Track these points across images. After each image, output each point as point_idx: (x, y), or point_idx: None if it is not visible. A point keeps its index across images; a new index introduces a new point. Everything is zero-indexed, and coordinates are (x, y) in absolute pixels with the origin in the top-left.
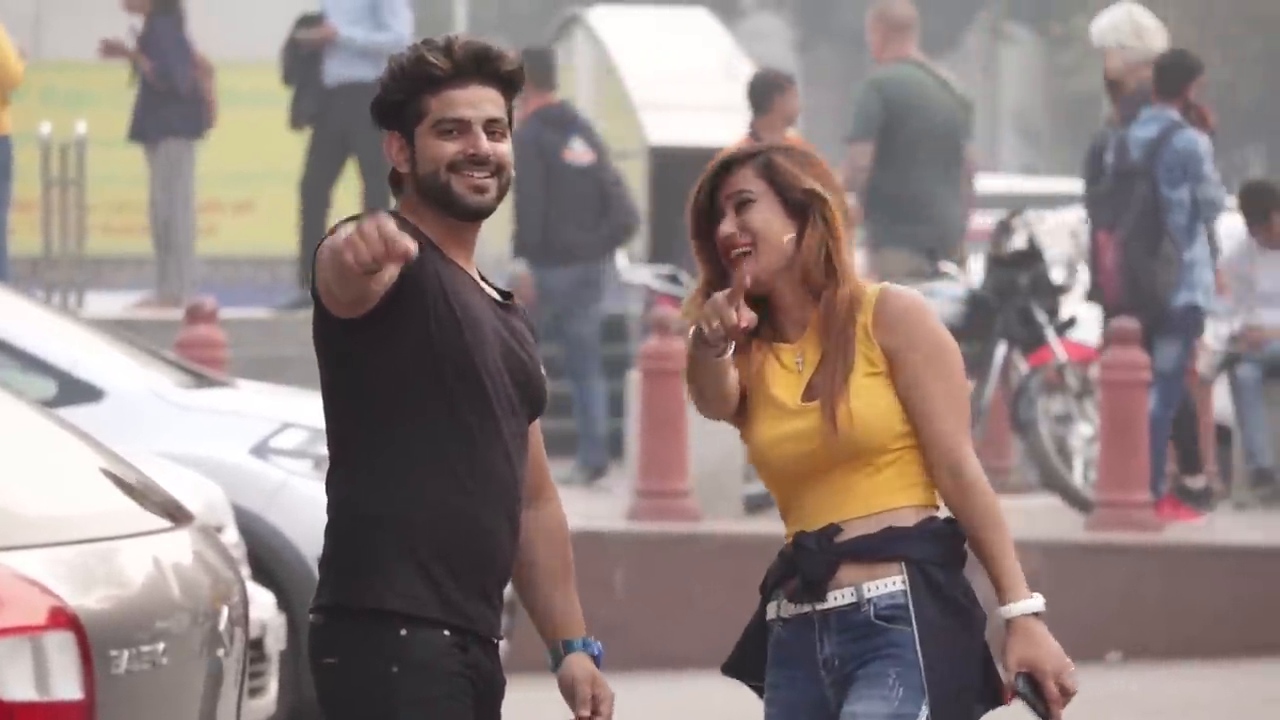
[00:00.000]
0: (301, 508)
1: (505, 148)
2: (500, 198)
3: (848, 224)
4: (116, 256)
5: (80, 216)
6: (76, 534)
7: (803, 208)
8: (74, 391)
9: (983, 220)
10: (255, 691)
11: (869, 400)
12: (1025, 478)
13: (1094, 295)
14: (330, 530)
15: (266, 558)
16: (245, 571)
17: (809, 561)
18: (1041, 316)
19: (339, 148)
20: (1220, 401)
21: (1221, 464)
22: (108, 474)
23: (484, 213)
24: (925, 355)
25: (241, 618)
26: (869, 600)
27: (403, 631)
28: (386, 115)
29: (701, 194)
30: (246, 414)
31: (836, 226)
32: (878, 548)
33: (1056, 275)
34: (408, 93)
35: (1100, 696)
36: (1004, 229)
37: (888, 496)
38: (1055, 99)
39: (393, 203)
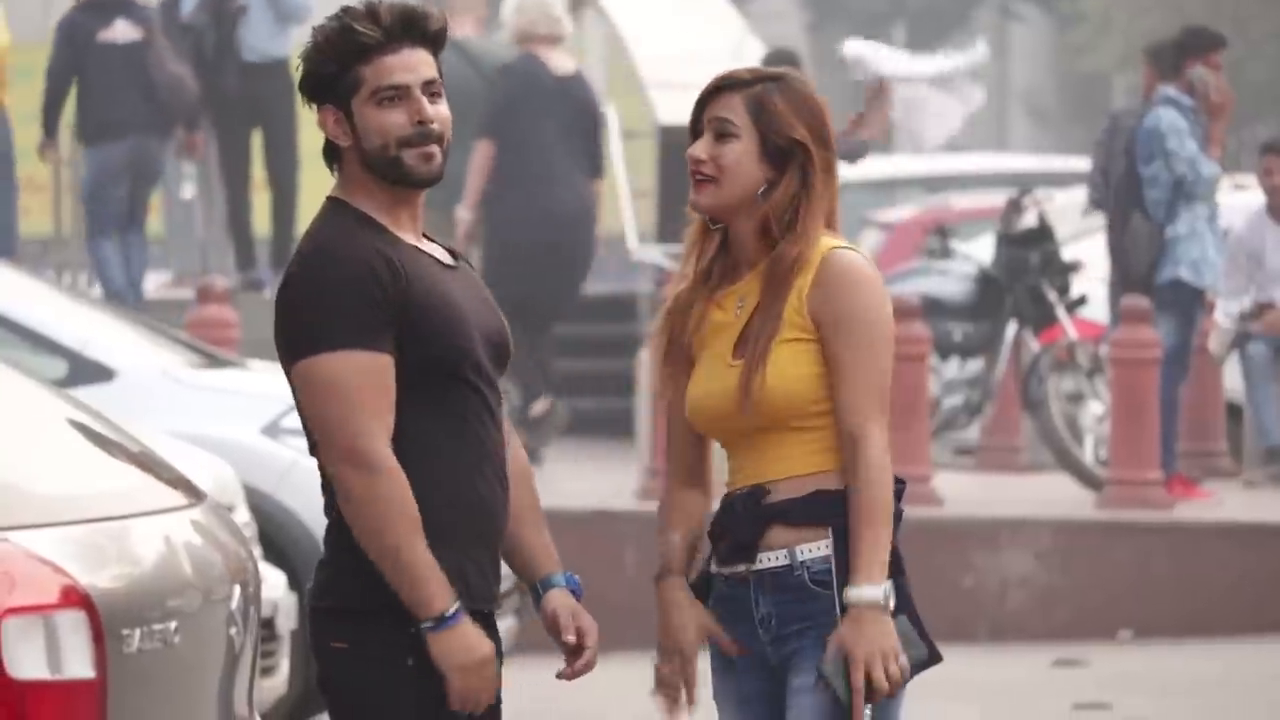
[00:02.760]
0: (312, 487)
1: (444, 108)
2: (445, 160)
3: (828, 180)
4: None
5: None
6: (88, 513)
7: (784, 155)
8: (85, 371)
9: (993, 198)
10: (266, 671)
11: (784, 368)
12: (1036, 456)
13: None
14: (338, 526)
15: (278, 537)
16: (257, 550)
17: (736, 525)
18: (1052, 295)
19: (248, 125)
20: (1231, 380)
21: (1233, 442)
22: (119, 453)
23: (435, 181)
24: (844, 324)
25: (254, 596)
26: (802, 563)
27: (413, 629)
28: (317, 89)
29: (695, 112)
30: (257, 394)
31: (814, 184)
32: (804, 511)
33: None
34: (339, 64)
35: (1111, 674)
36: (1014, 208)
37: (817, 458)
38: (1064, 78)
39: (300, 181)
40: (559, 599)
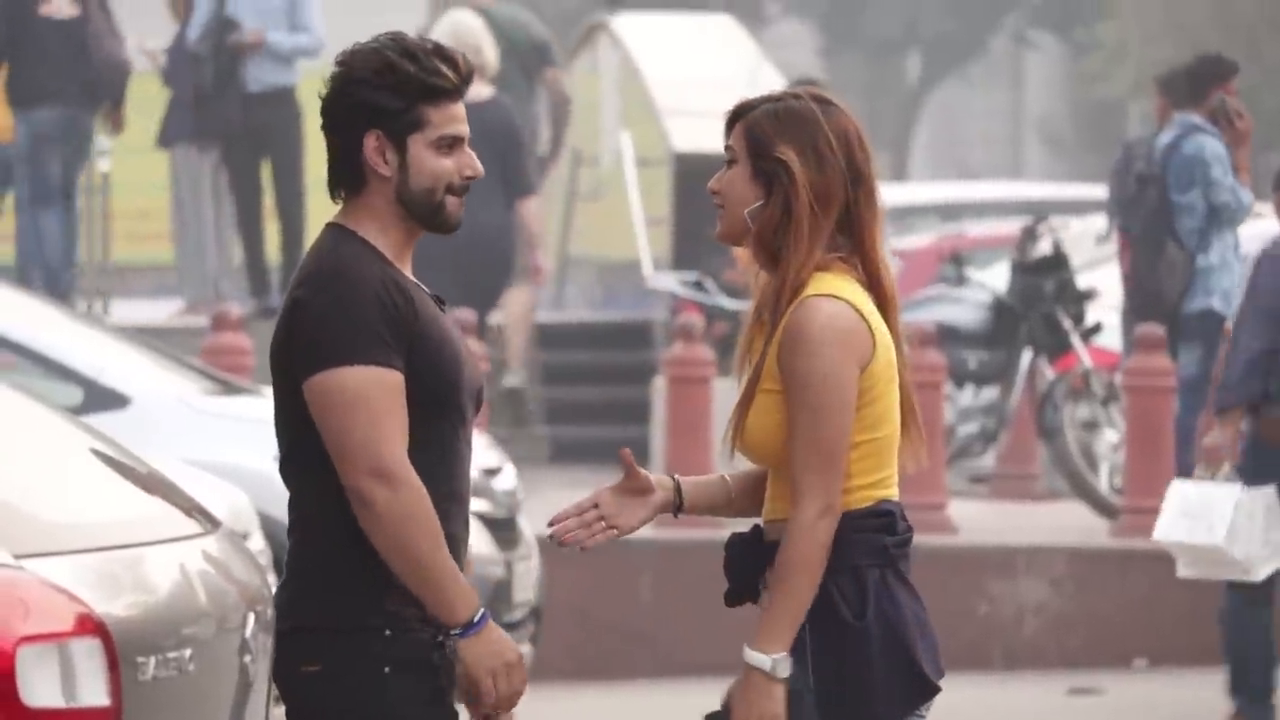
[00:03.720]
0: None
1: None
2: None
3: (823, 203)
4: (141, 264)
5: (106, 224)
6: (103, 541)
7: (771, 178)
8: (100, 398)
9: (1008, 226)
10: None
11: (760, 416)
12: (1051, 484)
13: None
14: (307, 544)
15: None
16: (272, 578)
17: (732, 569)
18: (1067, 323)
19: (256, 154)
20: None
21: None
22: (134, 481)
23: (456, 229)
24: (793, 387)
25: (268, 624)
26: None
27: (388, 633)
28: (368, 116)
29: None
30: (272, 421)
31: (797, 208)
32: None
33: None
34: (406, 100)
35: (1125, 703)
36: (1029, 235)
37: None
38: (1079, 105)
39: (308, 207)
40: None
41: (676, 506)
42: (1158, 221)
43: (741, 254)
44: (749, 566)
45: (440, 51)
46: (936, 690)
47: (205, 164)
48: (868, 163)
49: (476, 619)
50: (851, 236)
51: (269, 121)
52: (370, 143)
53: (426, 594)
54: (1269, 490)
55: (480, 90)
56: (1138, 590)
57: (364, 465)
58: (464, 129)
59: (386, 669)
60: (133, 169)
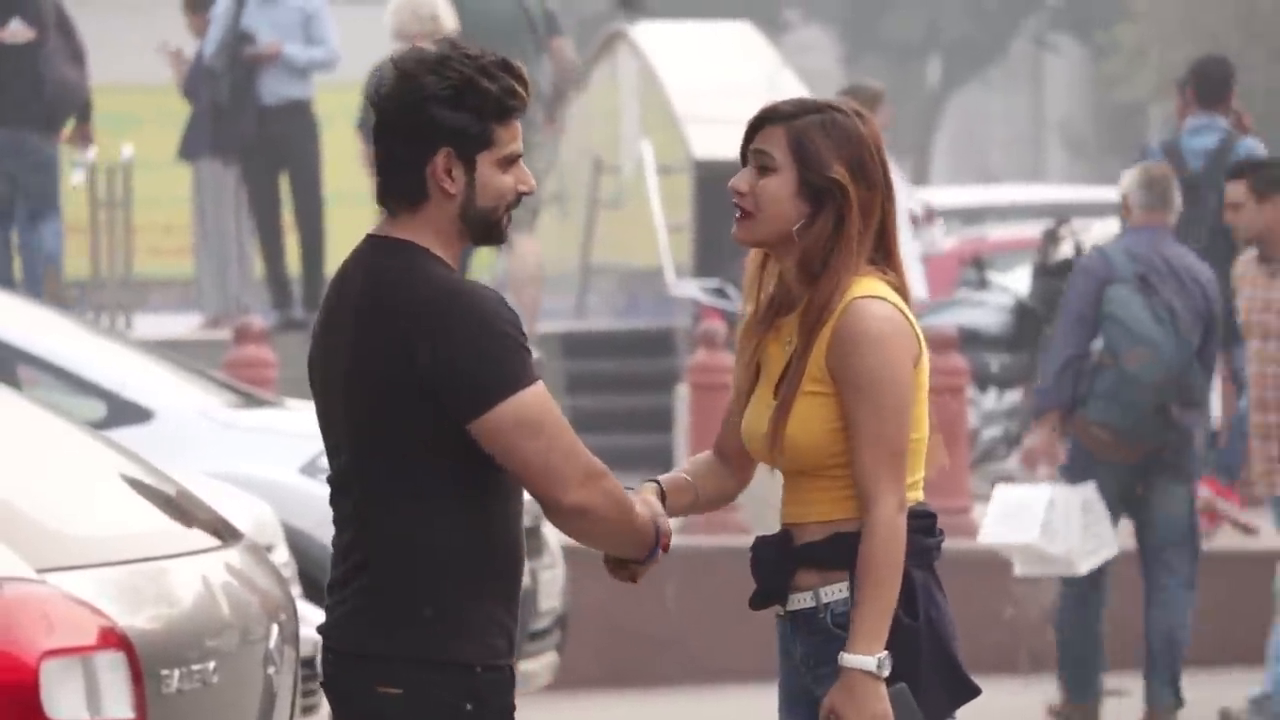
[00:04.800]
0: None
1: None
2: None
3: (868, 220)
4: (164, 278)
5: (128, 239)
6: (126, 554)
7: (821, 193)
8: (123, 413)
9: (1029, 230)
10: (308, 710)
11: (804, 422)
12: None
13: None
14: (394, 571)
15: (318, 576)
16: (296, 590)
17: (764, 571)
18: None
19: (274, 166)
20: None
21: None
22: (157, 494)
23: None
24: (857, 387)
25: (292, 636)
26: (826, 605)
27: (478, 669)
28: (440, 133)
29: (742, 143)
30: (296, 433)
31: (848, 226)
32: (826, 553)
33: None
34: (480, 117)
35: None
36: (1050, 238)
37: (842, 505)
38: (1100, 108)
39: (327, 221)
40: None
41: None
42: (1219, 228)
43: (751, 257)
44: (777, 569)
45: (509, 67)
46: (978, 691)
47: (228, 177)
48: (888, 170)
49: (657, 544)
50: (882, 246)
51: (286, 134)
52: (440, 160)
53: (632, 551)
54: (1087, 486)
55: None
56: None
57: (576, 477)
58: (521, 146)
59: (469, 705)
60: (155, 183)
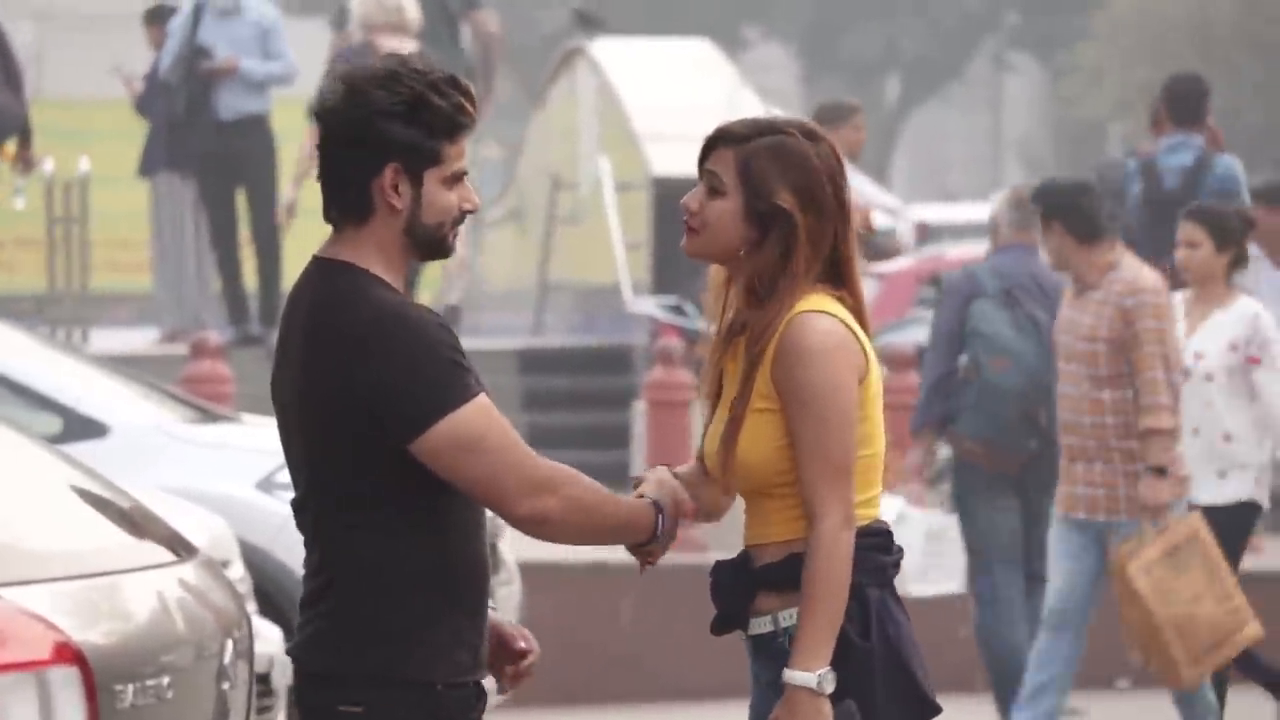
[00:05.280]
0: None
1: None
2: None
3: (816, 248)
4: (120, 293)
5: (84, 253)
6: (80, 568)
7: (768, 219)
8: (79, 427)
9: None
10: None
11: (753, 440)
12: None
13: None
14: (356, 590)
15: (273, 592)
16: (251, 606)
17: (723, 596)
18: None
19: (231, 182)
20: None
21: None
22: (112, 509)
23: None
24: (799, 400)
25: (247, 651)
26: (784, 629)
27: (439, 686)
28: (392, 149)
29: (698, 162)
30: (252, 448)
31: (796, 254)
32: (782, 576)
33: None
34: (431, 134)
35: None
36: None
37: (795, 525)
38: (1058, 127)
39: (283, 237)
40: (494, 620)
41: None
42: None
43: (714, 272)
44: (737, 594)
45: (457, 83)
46: (938, 710)
47: (186, 192)
48: (848, 192)
49: (660, 526)
50: (837, 271)
51: (242, 149)
52: (387, 176)
53: (619, 539)
54: (948, 518)
55: (404, 44)
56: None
57: (525, 489)
58: (467, 163)
59: None
60: (112, 198)
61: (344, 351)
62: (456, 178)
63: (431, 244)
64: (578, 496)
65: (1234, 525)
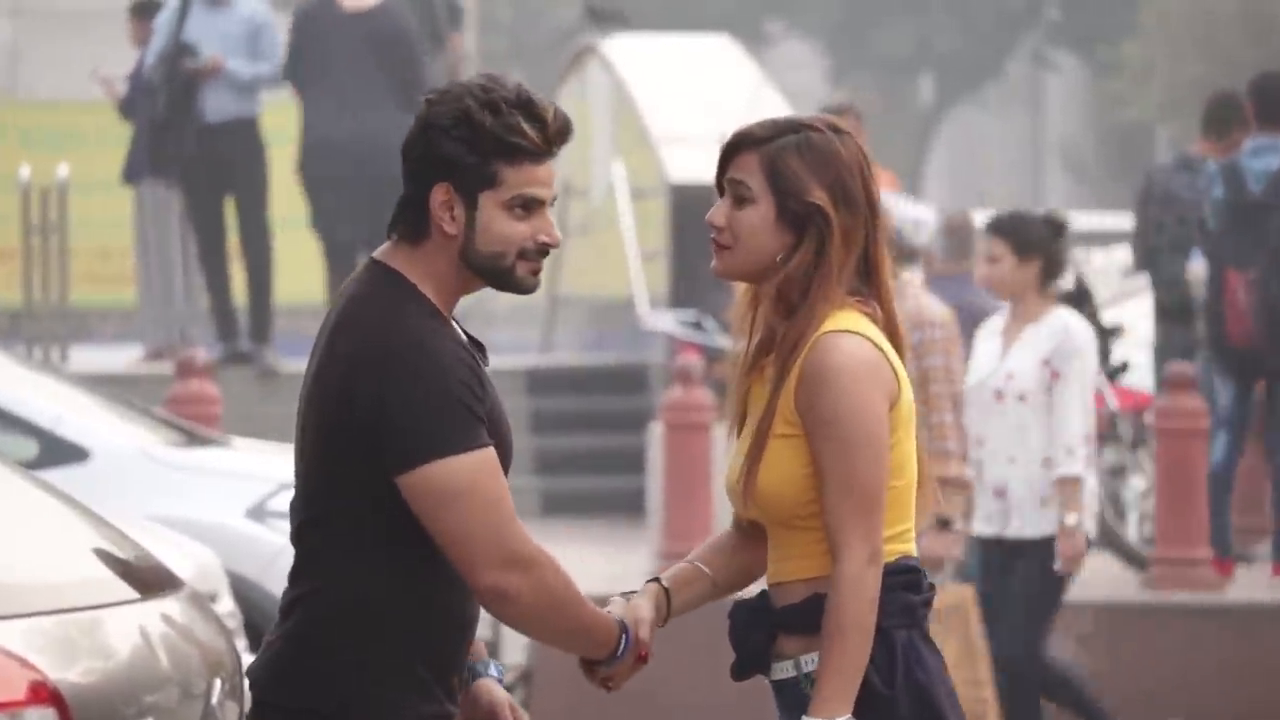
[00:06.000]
0: None
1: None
2: None
3: (849, 246)
4: (102, 308)
5: (63, 265)
6: (59, 603)
7: (802, 220)
8: (57, 452)
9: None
10: None
11: (775, 468)
12: None
13: (1216, 338)
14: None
15: (264, 626)
16: (241, 643)
17: (742, 639)
18: None
19: (218, 189)
20: None
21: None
22: (92, 539)
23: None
24: (823, 426)
25: (236, 691)
26: (805, 674)
27: None
28: (437, 167)
29: (717, 171)
30: (242, 474)
31: (829, 253)
32: (803, 619)
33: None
34: (480, 156)
35: None
36: None
37: (818, 561)
38: (1103, 129)
39: (275, 248)
40: (493, 690)
41: (664, 618)
42: (1250, 247)
43: (742, 291)
44: (757, 637)
45: (528, 106)
46: None
47: (172, 199)
48: (878, 193)
49: (621, 650)
50: (866, 275)
51: (230, 154)
52: (438, 195)
53: (577, 649)
54: None
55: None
56: (1171, 647)
57: (495, 559)
58: (544, 192)
59: None
60: (93, 206)
61: (355, 365)
62: (526, 205)
63: (495, 274)
64: (549, 585)
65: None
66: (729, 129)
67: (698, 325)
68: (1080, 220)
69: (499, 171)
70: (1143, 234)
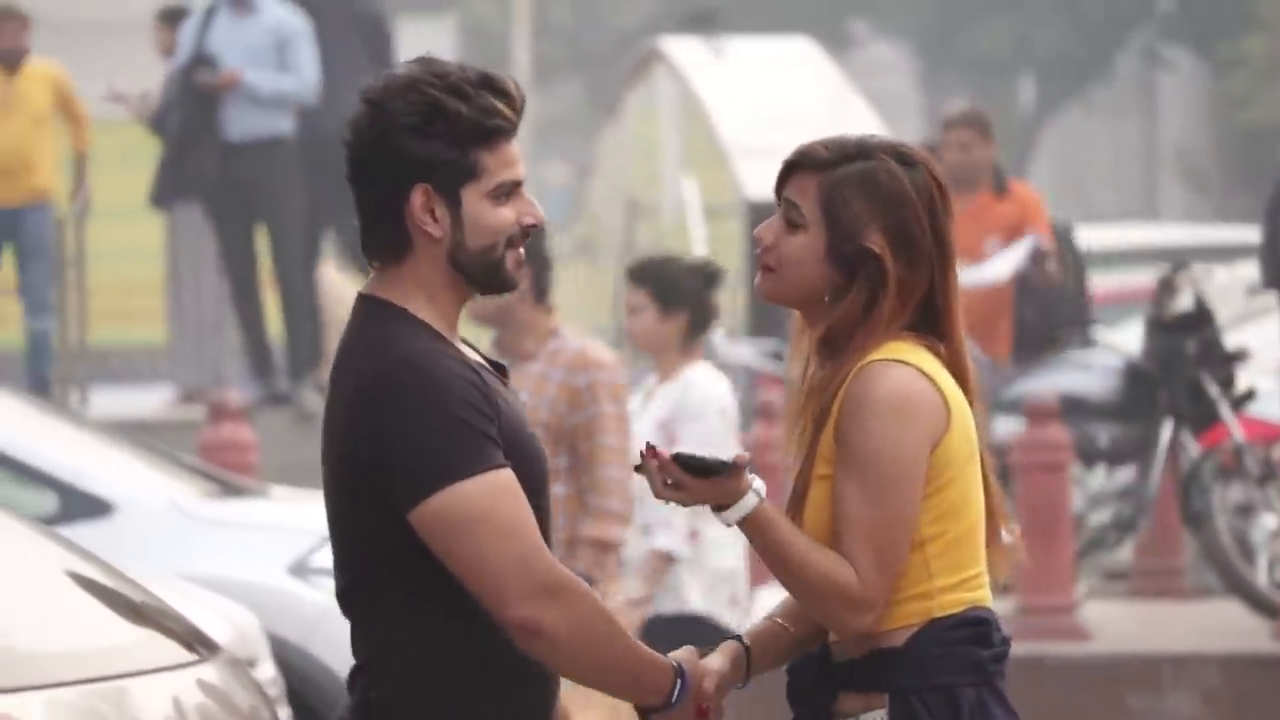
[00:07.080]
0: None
1: None
2: None
3: (905, 297)
4: (126, 346)
5: (82, 301)
6: (82, 672)
7: (853, 261)
8: (79, 506)
9: (1141, 277)
10: None
11: (819, 511)
12: (1200, 579)
13: None
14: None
15: (310, 695)
16: (284, 712)
17: (799, 698)
18: (1213, 389)
19: (245, 215)
20: None
21: None
22: (118, 601)
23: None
24: (847, 451)
25: None
26: None
27: None
28: (414, 169)
29: (776, 185)
30: (281, 527)
31: (881, 305)
32: (863, 675)
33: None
34: (454, 144)
35: None
36: (1167, 287)
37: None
38: (1223, 134)
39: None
40: None
41: (745, 676)
42: None
43: (796, 319)
44: (816, 695)
45: (490, 83)
46: None
47: (207, 227)
48: (950, 225)
49: (675, 698)
50: (933, 318)
51: (255, 176)
52: (417, 200)
53: (623, 691)
54: None
55: None
56: None
57: (522, 588)
58: (522, 171)
59: None
60: (113, 236)
61: (354, 406)
62: (508, 190)
63: (485, 271)
64: (586, 615)
65: (682, 639)
66: (810, 140)
67: (779, 357)
68: (1200, 234)
69: (479, 161)
70: (1271, 248)
